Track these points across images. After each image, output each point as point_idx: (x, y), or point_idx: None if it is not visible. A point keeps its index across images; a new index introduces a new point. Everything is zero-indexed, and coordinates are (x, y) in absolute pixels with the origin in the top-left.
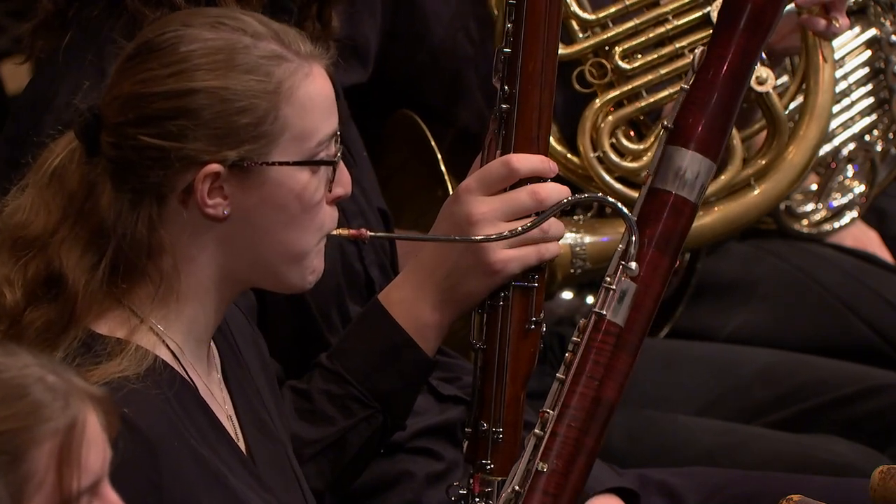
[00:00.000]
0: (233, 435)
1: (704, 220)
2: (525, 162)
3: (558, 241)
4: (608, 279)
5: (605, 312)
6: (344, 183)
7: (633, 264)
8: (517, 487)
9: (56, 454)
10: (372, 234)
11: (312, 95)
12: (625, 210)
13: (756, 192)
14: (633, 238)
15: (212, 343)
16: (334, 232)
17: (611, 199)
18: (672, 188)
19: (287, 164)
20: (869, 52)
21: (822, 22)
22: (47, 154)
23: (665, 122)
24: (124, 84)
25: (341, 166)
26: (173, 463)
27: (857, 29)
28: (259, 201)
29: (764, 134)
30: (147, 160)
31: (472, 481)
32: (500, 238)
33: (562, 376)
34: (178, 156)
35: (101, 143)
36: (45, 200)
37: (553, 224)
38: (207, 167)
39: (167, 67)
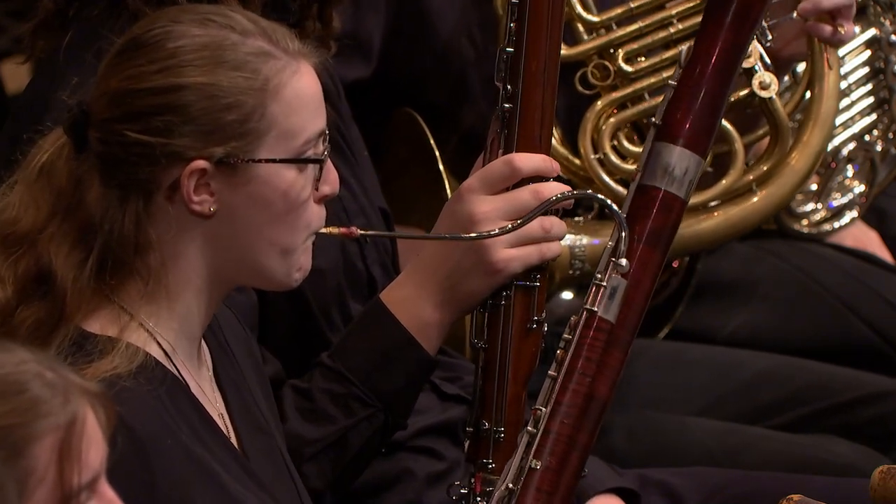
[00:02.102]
0: (224, 432)
1: (706, 224)
2: (527, 161)
3: (560, 240)
4: (598, 276)
5: (595, 309)
6: (331, 181)
7: (624, 261)
8: (511, 485)
9: (57, 449)
10: (362, 231)
11: (300, 93)
12: (614, 207)
13: (758, 197)
14: (623, 235)
15: (204, 344)
16: (324, 230)
17: (599, 196)
18: (661, 184)
19: (273, 161)
20: (869, 52)
21: (828, 29)
22: (36, 150)
23: (653, 119)
24: (112, 80)
25: (329, 165)
26: (165, 461)
27: (856, 29)
28: (245, 198)
29: (767, 139)
30: (133, 156)
31: (473, 481)
32: (492, 236)
33: (554, 374)
34: (163, 152)
35: (89, 139)
36: (34, 196)
37: (555, 223)
38: (193, 163)
39: (154, 63)
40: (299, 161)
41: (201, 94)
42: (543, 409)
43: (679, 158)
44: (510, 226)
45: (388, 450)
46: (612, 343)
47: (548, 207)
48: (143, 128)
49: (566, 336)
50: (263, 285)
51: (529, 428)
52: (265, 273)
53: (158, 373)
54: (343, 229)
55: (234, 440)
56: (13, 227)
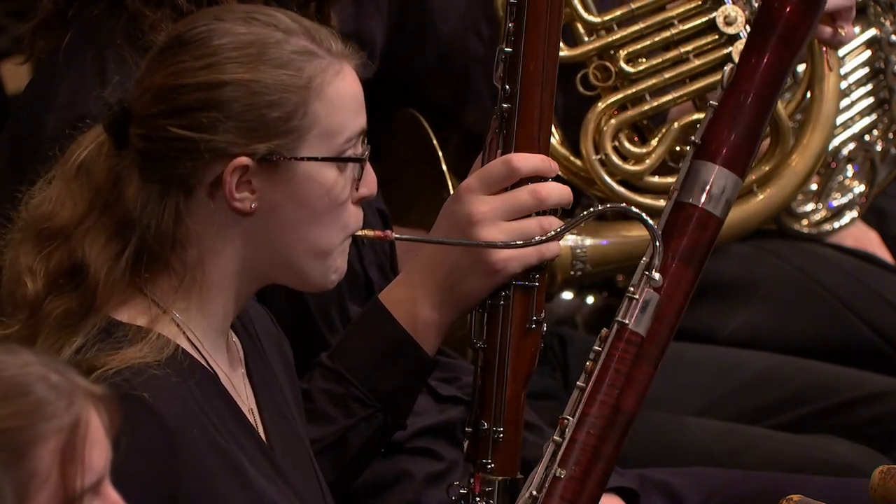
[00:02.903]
0: (254, 426)
1: None
2: (526, 161)
3: (559, 240)
4: (631, 289)
5: (627, 322)
6: (369, 183)
7: (657, 275)
8: (534, 492)
9: (60, 452)
10: (397, 236)
11: (342, 93)
12: (650, 221)
13: (759, 198)
14: (658, 247)
15: (236, 339)
16: (359, 233)
17: (635, 210)
18: (698, 202)
19: (315, 159)
20: (869, 52)
21: (828, 30)
22: (75, 147)
23: (693, 138)
24: (156, 76)
25: (368, 166)
26: (191, 450)
27: (856, 29)
28: (286, 196)
29: (767, 141)
30: (176, 151)
31: (472, 480)
32: (532, 244)
33: (582, 384)
34: (207, 147)
35: (129, 136)
36: (72, 192)
37: (553, 224)
38: (237, 160)
39: (199, 60)
40: (341, 160)
41: (245, 90)
42: (570, 418)
43: (717, 177)
44: (551, 233)
45: (386, 451)
46: (641, 356)
47: (589, 218)
48: (186, 123)
49: (596, 348)
50: (299, 285)
51: (556, 437)
52: (301, 273)
53: (188, 365)
54: (378, 233)
55: (262, 435)
56: (48, 222)
